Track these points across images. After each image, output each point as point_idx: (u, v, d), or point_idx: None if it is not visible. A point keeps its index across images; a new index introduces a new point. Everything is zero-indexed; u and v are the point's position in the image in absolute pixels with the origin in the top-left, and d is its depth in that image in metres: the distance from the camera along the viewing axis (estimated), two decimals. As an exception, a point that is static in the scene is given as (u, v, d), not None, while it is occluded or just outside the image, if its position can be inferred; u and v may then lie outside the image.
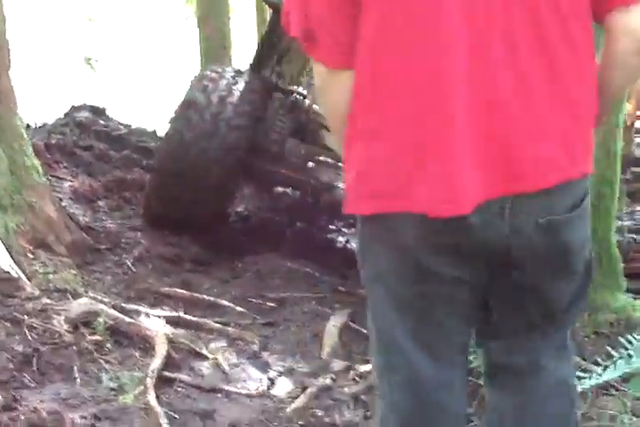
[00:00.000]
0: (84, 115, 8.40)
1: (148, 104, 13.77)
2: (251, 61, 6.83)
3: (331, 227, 7.96)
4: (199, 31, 10.46)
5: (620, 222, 6.49)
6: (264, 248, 6.19)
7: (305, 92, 5.50)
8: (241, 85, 5.85)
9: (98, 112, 8.65)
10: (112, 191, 6.89)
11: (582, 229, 2.32)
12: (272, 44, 6.46)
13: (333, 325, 4.95)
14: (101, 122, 8.44)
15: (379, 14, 2.12)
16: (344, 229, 8.09)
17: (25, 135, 5.38)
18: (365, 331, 4.97)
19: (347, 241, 7.65)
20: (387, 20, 2.12)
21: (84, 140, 7.90)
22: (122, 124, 8.77)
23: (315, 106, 5.42)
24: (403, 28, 2.11)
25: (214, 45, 10.21)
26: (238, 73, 6.00)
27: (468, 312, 2.34)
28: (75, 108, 8.65)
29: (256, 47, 6.97)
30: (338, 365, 4.45)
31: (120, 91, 16.15)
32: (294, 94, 5.53)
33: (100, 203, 6.66)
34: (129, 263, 5.47)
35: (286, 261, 5.90)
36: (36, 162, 5.41)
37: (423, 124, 2.11)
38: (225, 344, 4.65)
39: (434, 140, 2.11)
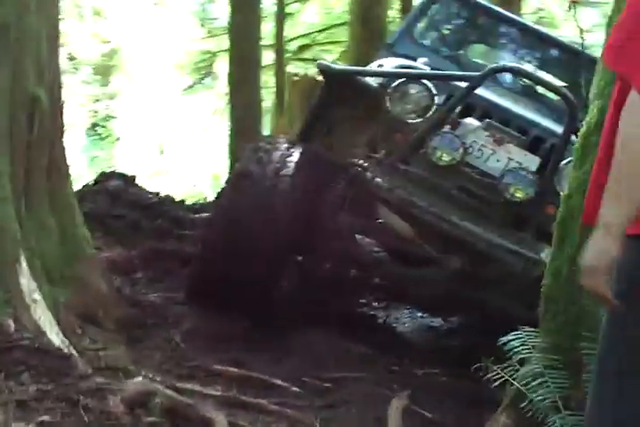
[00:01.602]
0: (115, 183, 8.24)
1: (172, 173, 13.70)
2: (298, 132, 6.72)
3: (362, 301, 7.80)
4: (230, 100, 10.43)
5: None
6: (310, 325, 6.00)
7: (366, 166, 5.36)
8: (295, 157, 5.71)
9: (128, 180, 8.50)
10: (149, 262, 6.70)
11: None
12: (321, 114, 6.35)
13: (396, 408, 4.74)
14: (131, 190, 8.28)
15: None
16: (374, 304, 7.93)
17: (76, 205, 5.23)
18: (429, 415, 4.79)
19: (387, 317, 7.48)
20: None
21: (116, 209, 7.74)
22: (150, 193, 8.61)
23: (377, 179, 5.28)
24: None
25: (244, 115, 10.17)
26: (292, 144, 5.87)
27: None
28: (105, 175, 8.50)
29: (304, 117, 6.87)
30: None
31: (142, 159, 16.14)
32: (355, 167, 5.39)
33: (139, 274, 6.47)
34: (177, 340, 5.26)
35: (338, 340, 5.71)
36: (87, 233, 5.25)
37: None
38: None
39: None
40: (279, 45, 13.58)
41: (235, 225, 5.51)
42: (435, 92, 5.45)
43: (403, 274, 5.91)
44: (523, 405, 3.68)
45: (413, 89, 5.48)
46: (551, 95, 7.01)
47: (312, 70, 15.47)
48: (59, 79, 5.07)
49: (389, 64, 5.91)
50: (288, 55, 15.85)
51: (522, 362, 3.84)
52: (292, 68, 15.20)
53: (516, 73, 5.72)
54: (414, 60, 6.43)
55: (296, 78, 13.95)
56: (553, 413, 3.58)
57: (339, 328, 6.11)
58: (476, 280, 5.72)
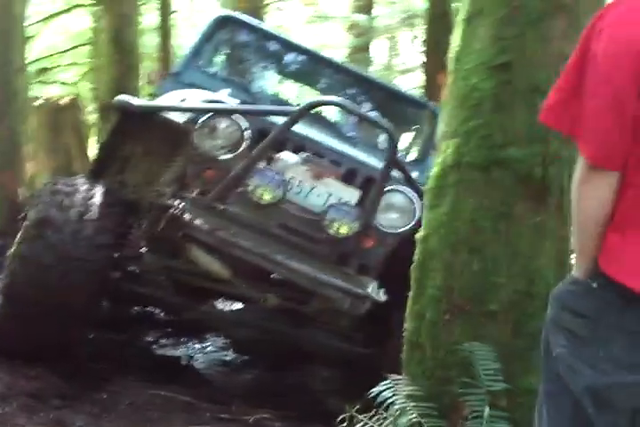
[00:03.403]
0: None
1: None
2: (89, 169, 6.39)
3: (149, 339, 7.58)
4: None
5: None
6: (120, 372, 5.72)
7: (183, 206, 5.08)
8: (97, 199, 5.38)
9: None
10: None
11: None
12: (113, 151, 6.06)
13: (240, 461, 4.55)
14: None
15: None
16: (162, 341, 7.72)
17: None
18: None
19: (191, 357, 7.25)
20: None
21: None
22: None
23: (197, 221, 5.02)
24: None
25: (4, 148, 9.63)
26: (91, 185, 5.53)
27: None
28: None
29: (96, 154, 6.55)
30: None
31: None
32: (172, 209, 5.10)
33: None
34: (-6, 404, 4.84)
35: (155, 387, 5.45)
36: None
37: None
38: None
39: None
40: (22, 68, 12.94)
41: (38, 276, 5.12)
42: (244, 126, 5.27)
43: (219, 315, 5.74)
44: (398, 456, 3.57)
45: (222, 124, 5.27)
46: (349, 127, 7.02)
47: (54, 94, 14.96)
48: None
49: (193, 98, 5.67)
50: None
51: (386, 409, 3.74)
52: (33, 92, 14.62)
53: (338, 107, 5.61)
54: (204, 89, 6.23)
55: (39, 103, 13.43)
56: (435, 462, 3.50)
57: (148, 374, 5.87)
58: (295, 318, 5.60)
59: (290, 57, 7.26)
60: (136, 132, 5.91)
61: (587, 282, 2.30)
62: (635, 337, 2.19)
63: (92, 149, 14.12)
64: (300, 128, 5.40)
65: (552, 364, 2.37)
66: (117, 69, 11.75)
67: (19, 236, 5.52)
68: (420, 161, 7.01)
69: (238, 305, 6.71)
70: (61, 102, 13.81)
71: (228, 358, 7.67)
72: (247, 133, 5.27)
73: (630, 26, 2.21)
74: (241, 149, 5.26)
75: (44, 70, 16.70)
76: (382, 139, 6.99)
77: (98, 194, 5.44)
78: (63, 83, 16.20)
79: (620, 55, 2.20)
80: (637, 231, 2.24)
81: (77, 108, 13.93)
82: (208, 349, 7.90)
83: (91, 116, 15.72)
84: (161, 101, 5.89)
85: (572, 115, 2.30)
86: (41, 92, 15.51)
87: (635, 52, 2.18)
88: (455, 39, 3.98)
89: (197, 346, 7.90)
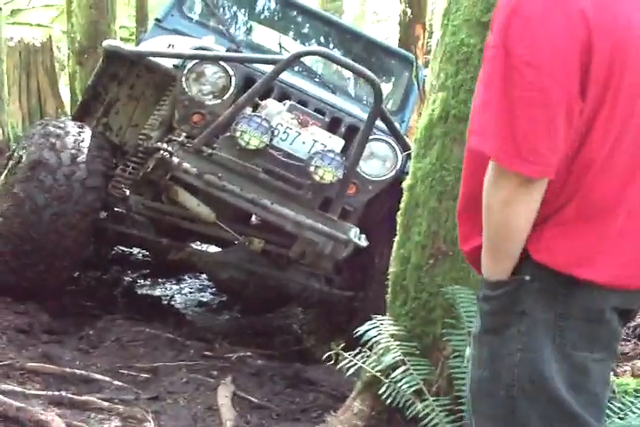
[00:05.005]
0: None
1: None
2: (75, 111, 6.51)
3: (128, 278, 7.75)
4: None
5: None
6: (103, 310, 5.91)
7: (171, 149, 5.22)
8: (87, 142, 5.52)
9: None
10: None
11: None
12: (98, 93, 6.19)
13: (224, 396, 4.73)
14: None
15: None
16: (140, 281, 7.90)
17: None
18: (255, 399, 4.81)
19: (171, 297, 7.45)
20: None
21: None
22: None
23: (185, 164, 5.17)
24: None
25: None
26: (81, 128, 5.66)
27: None
28: None
29: (81, 97, 6.65)
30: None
31: None
32: (161, 151, 5.24)
33: None
34: (-18, 338, 5.00)
35: (140, 326, 5.61)
36: None
37: None
38: (119, 424, 4.32)
39: None
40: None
41: (32, 216, 5.28)
42: (231, 73, 5.41)
43: (205, 256, 5.93)
44: (381, 391, 3.77)
45: (210, 70, 5.41)
46: (335, 79, 7.16)
47: (27, 35, 14.84)
48: None
49: (180, 44, 5.78)
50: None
51: (371, 348, 3.93)
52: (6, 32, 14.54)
53: (324, 57, 5.73)
54: (187, 36, 6.33)
55: (12, 44, 13.36)
56: (416, 399, 3.70)
57: (132, 312, 6.05)
58: (278, 260, 5.79)
59: (267, 4, 7.36)
60: (122, 76, 6.04)
61: (513, 279, 2.18)
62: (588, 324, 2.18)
63: (64, 92, 14.11)
64: (285, 76, 5.54)
65: (505, 375, 2.21)
66: (93, 13, 11.75)
67: (4, 175, 5.66)
68: (398, 111, 7.14)
69: (215, 248, 6.88)
70: (35, 44, 13.74)
71: (204, 300, 7.88)
72: (234, 80, 5.41)
73: (563, 19, 2.03)
74: (227, 95, 5.41)
75: (17, 11, 16.62)
76: (360, 88, 7.16)
77: (87, 137, 5.56)
78: (39, 24, 16.10)
79: (565, 59, 2.03)
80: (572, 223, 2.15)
81: (50, 49, 13.89)
82: (185, 290, 8.09)
83: (63, 57, 15.66)
84: (147, 47, 5.99)
85: (501, 132, 2.05)
86: (13, 34, 15.40)
87: (579, 52, 2.02)
88: (444, -4, 4.12)
89: (175, 287, 8.09)
